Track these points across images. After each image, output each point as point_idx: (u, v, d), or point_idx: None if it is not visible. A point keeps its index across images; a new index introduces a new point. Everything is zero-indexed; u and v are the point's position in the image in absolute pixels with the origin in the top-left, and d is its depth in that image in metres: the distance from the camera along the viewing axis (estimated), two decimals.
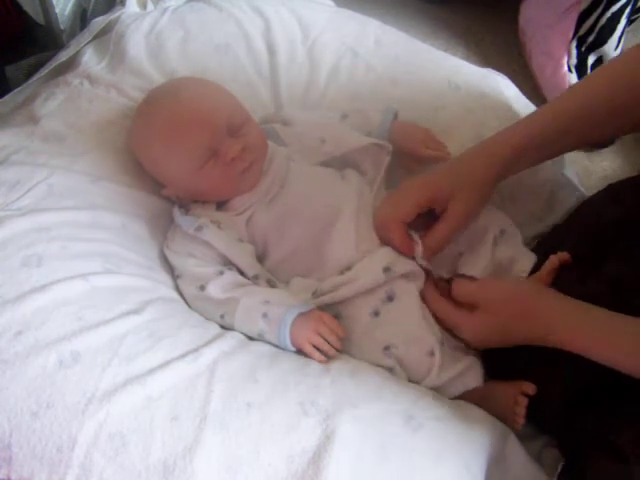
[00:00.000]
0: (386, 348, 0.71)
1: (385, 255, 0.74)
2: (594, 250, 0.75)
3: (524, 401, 0.68)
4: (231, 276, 0.74)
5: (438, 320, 0.73)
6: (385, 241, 0.76)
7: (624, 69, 0.72)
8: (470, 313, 0.71)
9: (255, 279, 0.75)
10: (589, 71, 1.24)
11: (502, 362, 0.73)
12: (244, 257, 0.76)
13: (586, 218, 0.82)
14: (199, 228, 0.75)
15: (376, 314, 0.72)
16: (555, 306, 0.67)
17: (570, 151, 0.81)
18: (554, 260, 0.74)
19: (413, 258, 0.74)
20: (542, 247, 0.83)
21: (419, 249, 0.73)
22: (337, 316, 0.73)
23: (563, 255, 0.74)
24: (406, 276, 0.74)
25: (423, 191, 0.74)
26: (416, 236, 0.74)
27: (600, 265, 0.73)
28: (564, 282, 0.72)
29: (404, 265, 0.73)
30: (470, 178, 0.74)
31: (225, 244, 0.75)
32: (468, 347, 0.73)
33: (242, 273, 0.76)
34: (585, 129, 0.74)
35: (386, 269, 0.72)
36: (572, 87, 0.78)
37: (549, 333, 0.65)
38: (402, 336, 0.71)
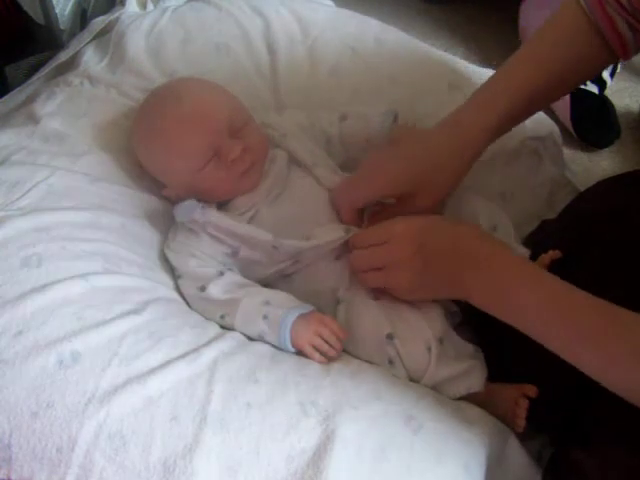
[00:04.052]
0: (389, 337, 0.70)
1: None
2: (578, 244, 0.75)
3: (525, 403, 0.68)
4: (232, 277, 0.74)
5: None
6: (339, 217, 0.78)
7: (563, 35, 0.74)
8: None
9: (274, 240, 0.73)
10: None
11: (504, 363, 0.73)
12: (253, 229, 0.74)
13: (573, 213, 0.83)
14: (203, 207, 0.74)
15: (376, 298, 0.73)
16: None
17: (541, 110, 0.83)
18: (545, 258, 0.74)
19: None
20: (530, 241, 0.83)
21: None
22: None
23: (555, 253, 0.74)
24: None
25: (384, 185, 0.72)
26: (366, 216, 0.76)
27: (583, 257, 0.73)
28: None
29: None
30: (439, 173, 0.72)
31: (231, 222, 0.74)
32: (472, 349, 0.73)
33: (256, 249, 0.75)
34: (545, 98, 0.75)
35: (347, 229, 0.74)
36: (518, 56, 0.76)
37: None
38: (404, 326, 0.71)
